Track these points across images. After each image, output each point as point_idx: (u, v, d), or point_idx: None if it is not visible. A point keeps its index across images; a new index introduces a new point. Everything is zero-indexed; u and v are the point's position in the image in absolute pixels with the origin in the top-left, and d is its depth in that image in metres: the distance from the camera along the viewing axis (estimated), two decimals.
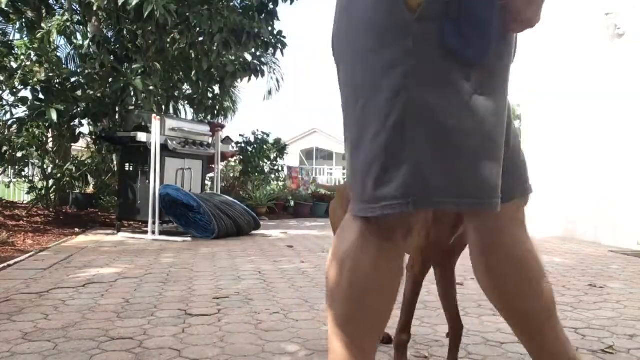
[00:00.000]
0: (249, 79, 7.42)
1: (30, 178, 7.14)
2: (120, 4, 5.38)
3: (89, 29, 7.04)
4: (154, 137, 5.29)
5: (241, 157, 9.79)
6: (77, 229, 5.72)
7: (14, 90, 5.50)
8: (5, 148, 5.63)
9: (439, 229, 1.40)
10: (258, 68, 7.41)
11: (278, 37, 7.01)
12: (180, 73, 7.34)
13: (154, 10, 5.14)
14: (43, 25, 6.57)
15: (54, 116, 5.16)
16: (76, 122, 6.15)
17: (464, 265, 3.90)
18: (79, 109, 5.94)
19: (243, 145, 9.79)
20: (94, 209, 7.44)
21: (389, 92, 0.94)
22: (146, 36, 6.52)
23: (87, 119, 6.30)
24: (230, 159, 9.55)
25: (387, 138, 0.95)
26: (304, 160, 34.30)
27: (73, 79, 5.84)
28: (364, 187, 0.99)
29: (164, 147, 5.41)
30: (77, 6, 6.47)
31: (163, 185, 5.38)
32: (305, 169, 15.02)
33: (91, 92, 6.15)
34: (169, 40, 6.82)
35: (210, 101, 8.01)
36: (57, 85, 5.49)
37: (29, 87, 5.45)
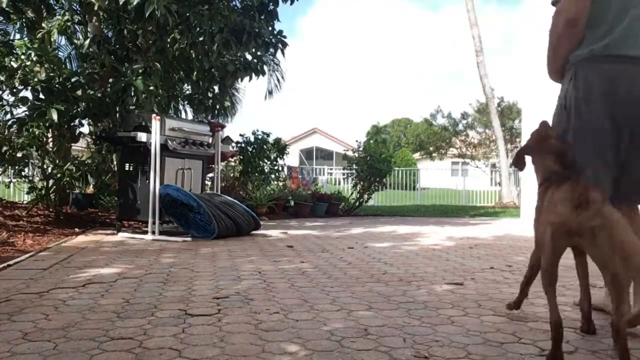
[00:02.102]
0: (250, 79, 7.42)
1: (30, 178, 7.14)
2: (121, 3, 5.38)
3: (89, 29, 7.04)
4: (154, 137, 5.29)
5: (241, 157, 9.79)
6: (77, 229, 5.72)
7: (14, 90, 5.49)
8: (5, 148, 5.62)
9: None
10: (258, 67, 7.41)
11: (278, 36, 7.00)
12: (181, 73, 7.34)
13: (155, 10, 5.14)
14: (44, 25, 6.57)
15: (55, 116, 5.16)
16: (76, 122, 6.15)
17: (463, 265, 3.90)
18: (79, 109, 5.94)
19: (243, 145, 9.79)
20: (94, 209, 7.44)
21: None
22: (146, 36, 6.52)
23: (87, 119, 6.30)
24: (230, 159, 9.55)
25: None
26: (304, 160, 34.31)
27: (73, 79, 5.83)
28: None
29: (164, 147, 5.41)
30: (78, 6, 6.47)
31: (163, 185, 5.38)
32: (306, 168, 15.03)
33: (91, 92, 6.15)
34: (169, 40, 6.82)
35: (210, 101, 8.01)
36: (57, 85, 5.49)
37: (29, 87, 5.45)
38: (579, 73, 2.07)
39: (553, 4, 2.21)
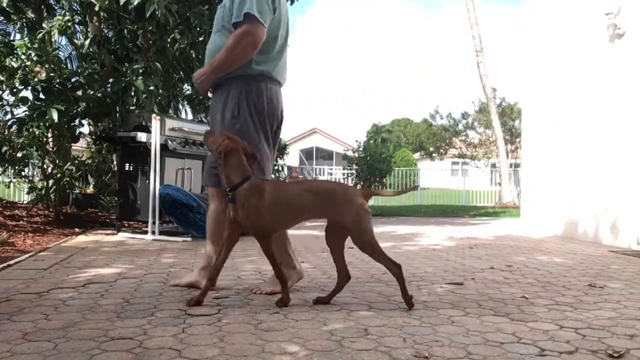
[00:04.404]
0: None
1: (30, 178, 7.14)
2: (121, 3, 5.38)
3: (89, 29, 7.04)
4: (154, 137, 5.28)
5: None
6: (77, 229, 5.72)
7: (14, 90, 5.49)
8: (5, 148, 5.62)
9: None
10: None
11: None
12: (181, 73, 7.34)
13: (155, 10, 5.14)
14: (44, 25, 6.58)
15: (55, 116, 5.16)
16: (76, 122, 6.15)
17: (463, 265, 3.90)
18: (79, 109, 5.94)
19: None
20: (94, 209, 7.44)
21: None
22: (147, 36, 6.52)
23: (87, 119, 6.30)
24: None
25: None
26: (304, 160, 34.30)
27: (73, 79, 5.84)
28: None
29: (164, 147, 5.40)
30: (78, 6, 6.47)
31: (163, 185, 5.38)
32: (306, 168, 15.03)
33: (91, 92, 6.15)
34: (169, 40, 6.81)
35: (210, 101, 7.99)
36: (57, 85, 5.49)
37: (30, 87, 5.45)
38: (254, 87, 2.60)
39: (234, 25, 2.53)
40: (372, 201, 13.22)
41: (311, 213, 2.42)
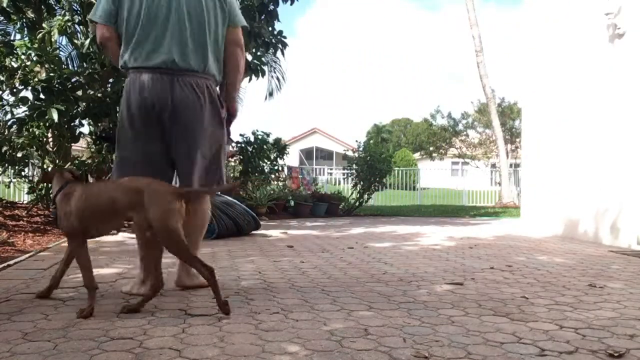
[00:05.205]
0: (250, 79, 7.42)
1: (30, 178, 7.14)
2: None
3: (89, 29, 7.03)
4: None
5: (241, 157, 9.78)
6: None
7: (14, 90, 5.49)
8: (5, 148, 5.62)
9: None
10: (258, 68, 7.41)
11: (279, 37, 7.00)
12: None
13: None
14: (44, 25, 6.57)
15: (55, 116, 5.15)
16: (76, 122, 6.14)
17: (463, 265, 3.90)
18: (79, 109, 5.94)
19: (243, 145, 9.78)
20: None
21: None
22: None
23: (87, 119, 6.29)
24: (230, 158, 9.55)
25: None
26: (304, 160, 34.30)
27: (74, 79, 5.83)
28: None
29: None
30: (78, 6, 6.46)
31: None
32: (306, 168, 15.03)
33: (91, 92, 6.14)
34: None
35: None
36: (57, 85, 5.48)
37: (30, 87, 5.45)
38: (126, 83, 2.58)
39: (90, 20, 2.66)
40: (372, 201, 13.21)
41: (123, 213, 2.32)
